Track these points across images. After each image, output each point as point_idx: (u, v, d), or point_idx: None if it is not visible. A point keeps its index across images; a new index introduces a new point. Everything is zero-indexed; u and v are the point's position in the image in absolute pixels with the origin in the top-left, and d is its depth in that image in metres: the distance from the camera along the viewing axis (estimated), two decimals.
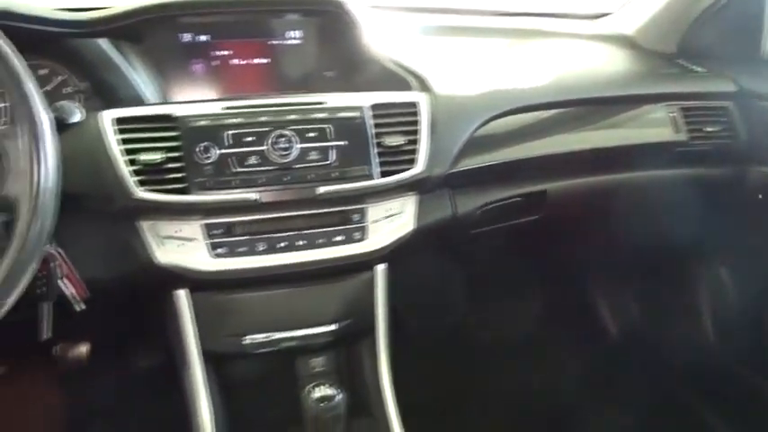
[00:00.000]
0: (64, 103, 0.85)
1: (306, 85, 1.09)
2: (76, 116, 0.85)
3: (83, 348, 1.39)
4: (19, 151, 0.70)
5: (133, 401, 1.42)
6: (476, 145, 1.01)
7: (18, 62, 0.72)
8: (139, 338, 1.50)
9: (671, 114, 1.18)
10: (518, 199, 1.10)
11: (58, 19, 0.96)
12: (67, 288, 0.86)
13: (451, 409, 1.40)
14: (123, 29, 1.00)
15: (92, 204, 0.86)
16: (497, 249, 1.23)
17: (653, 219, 1.19)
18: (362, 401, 1.00)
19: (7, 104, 0.97)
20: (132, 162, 0.86)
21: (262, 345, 0.95)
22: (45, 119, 0.71)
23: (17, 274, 0.70)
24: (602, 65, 1.28)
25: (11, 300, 0.70)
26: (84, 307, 0.88)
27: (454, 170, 1.00)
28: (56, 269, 0.83)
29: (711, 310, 1.46)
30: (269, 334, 0.95)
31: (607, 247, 1.36)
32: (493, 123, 1.03)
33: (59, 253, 0.84)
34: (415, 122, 0.97)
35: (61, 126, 0.77)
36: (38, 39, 0.89)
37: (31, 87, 0.72)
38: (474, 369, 1.48)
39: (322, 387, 0.78)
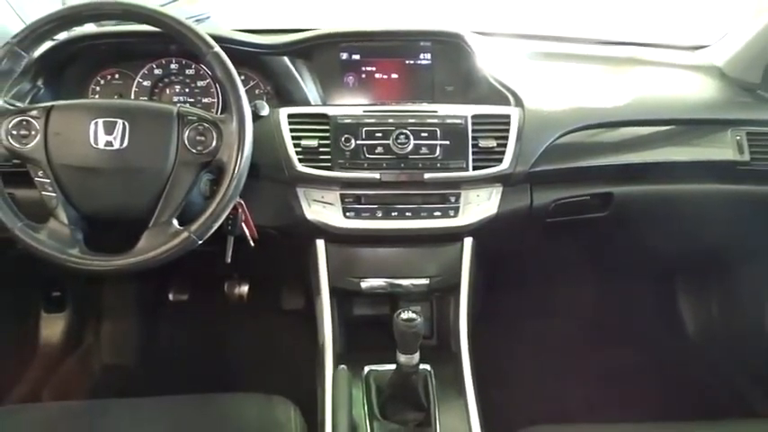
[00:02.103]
0: (258, 101, 1.19)
1: (429, 97, 1.36)
2: (265, 111, 1.18)
3: (244, 288, 1.75)
4: (230, 132, 1.03)
5: (279, 334, 1.76)
6: (555, 151, 1.23)
7: (234, 72, 1.05)
8: (284, 286, 1.85)
9: (737, 137, 1.30)
10: (587, 197, 1.29)
11: (255, 42, 1.32)
12: (245, 229, 1.19)
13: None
14: (299, 49, 1.34)
15: (267, 172, 1.18)
16: (567, 238, 1.43)
17: (712, 226, 1.33)
18: (444, 341, 1.26)
19: (216, 99, 1.38)
20: (296, 145, 1.18)
21: (373, 287, 1.24)
22: (248, 111, 1.04)
23: (220, 211, 1.03)
24: (683, 91, 1.41)
25: (215, 225, 1.04)
26: (252, 245, 1.19)
27: (534, 170, 1.21)
28: (240, 214, 1.16)
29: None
30: (379, 279, 1.24)
31: (665, 246, 1.49)
32: (572, 134, 1.24)
33: (242, 203, 1.15)
34: (506, 130, 1.20)
35: (255, 117, 1.10)
36: (240, 54, 1.19)
37: (241, 89, 1.05)
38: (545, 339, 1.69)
39: (408, 311, 1.06)
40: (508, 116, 1.23)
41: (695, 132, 1.34)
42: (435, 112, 1.22)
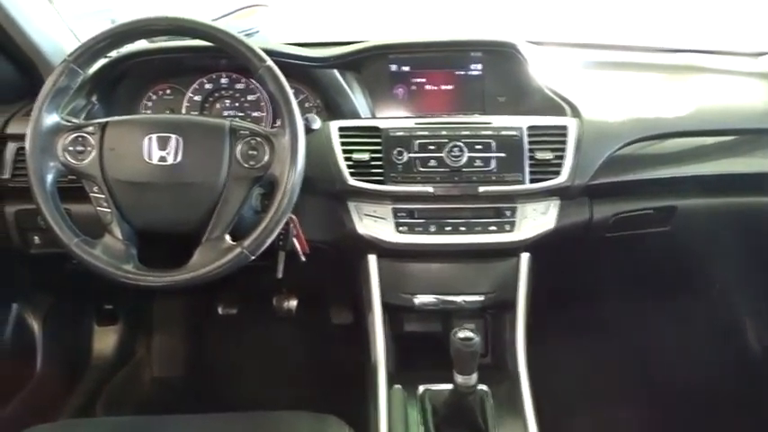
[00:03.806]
0: (309, 115, 1.15)
1: (481, 108, 1.33)
2: (317, 124, 1.15)
3: (293, 302, 1.75)
4: (282, 146, 1.01)
5: (328, 349, 1.74)
6: (615, 163, 1.18)
7: (287, 85, 1.03)
8: (333, 301, 1.84)
9: None
10: (650, 211, 1.24)
11: (305, 55, 1.31)
12: (296, 244, 1.16)
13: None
14: (349, 62, 1.32)
15: (318, 186, 1.16)
16: (625, 252, 1.37)
17: None
18: (500, 359, 1.21)
19: (266, 113, 1.37)
20: (348, 159, 1.15)
21: (426, 303, 1.20)
22: (301, 125, 1.02)
23: (273, 226, 1.00)
24: (747, 100, 1.35)
25: (268, 241, 1.02)
26: (305, 260, 1.18)
27: (594, 182, 1.16)
28: (291, 229, 1.14)
29: None
30: (432, 296, 1.20)
31: (728, 262, 1.42)
32: (633, 146, 1.19)
33: (293, 218, 1.13)
34: (563, 142, 1.16)
35: (307, 130, 1.06)
36: (289, 68, 1.16)
37: (294, 103, 1.02)
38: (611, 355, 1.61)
39: (465, 330, 1.02)
40: (565, 127, 1.18)
41: (760, 142, 1.27)
42: (489, 123, 1.19)
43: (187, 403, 1.67)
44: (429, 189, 1.15)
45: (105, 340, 1.75)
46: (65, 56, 1.04)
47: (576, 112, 1.22)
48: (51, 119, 1.03)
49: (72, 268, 1.04)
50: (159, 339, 1.82)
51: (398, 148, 1.16)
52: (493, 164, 1.15)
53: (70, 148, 1.03)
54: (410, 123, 1.19)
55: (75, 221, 1.04)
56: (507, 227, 1.17)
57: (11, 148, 1.22)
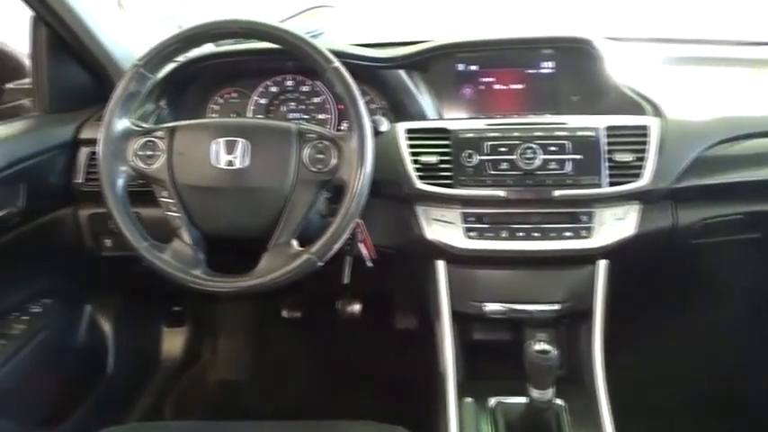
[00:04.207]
0: (376, 117, 1.13)
1: (553, 107, 1.27)
2: (384, 126, 1.12)
3: (357, 306, 1.73)
4: (350, 149, 0.99)
5: (392, 354, 1.71)
6: (702, 165, 1.10)
7: (355, 86, 1.01)
8: (397, 306, 1.81)
9: None
10: (740, 216, 1.15)
11: (372, 56, 1.29)
12: (363, 249, 1.15)
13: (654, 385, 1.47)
14: (415, 62, 1.29)
15: (385, 190, 1.12)
16: (715, 262, 1.29)
17: None
18: (576, 371, 1.15)
19: (331, 116, 1.35)
20: (415, 162, 1.12)
21: (496, 312, 1.15)
22: (369, 127, 1.00)
23: (341, 232, 0.98)
24: None
25: (335, 246, 0.99)
26: (371, 265, 1.16)
27: (678, 186, 1.09)
28: (358, 234, 1.12)
29: None
30: (503, 304, 1.15)
31: None
32: (721, 146, 1.11)
33: (361, 223, 1.11)
34: (645, 143, 1.09)
35: (374, 132, 1.04)
36: (355, 69, 1.07)
37: (362, 104, 1.00)
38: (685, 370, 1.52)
39: (541, 343, 0.96)
40: (646, 127, 1.11)
41: None
42: (565, 123, 1.13)
43: (252, 406, 1.67)
44: (500, 193, 1.10)
45: (173, 341, 1.78)
46: (134, 61, 1.04)
47: (657, 111, 1.15)
48: (122, 124, 1.04)
49: (142, 270, 1.04)
50: (224, 342, 1.84)
51: (468, 151, 1.11)
52: (568, 166, 1.09)
53: (140, 153, 1.04)
54: (480, 124, 1.15)
55: (145, 225, 1.05)
56: (584, 233, 1.11)
57: (84, 152, 1.25)
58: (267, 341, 1.86)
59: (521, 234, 1.12)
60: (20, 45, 1.34)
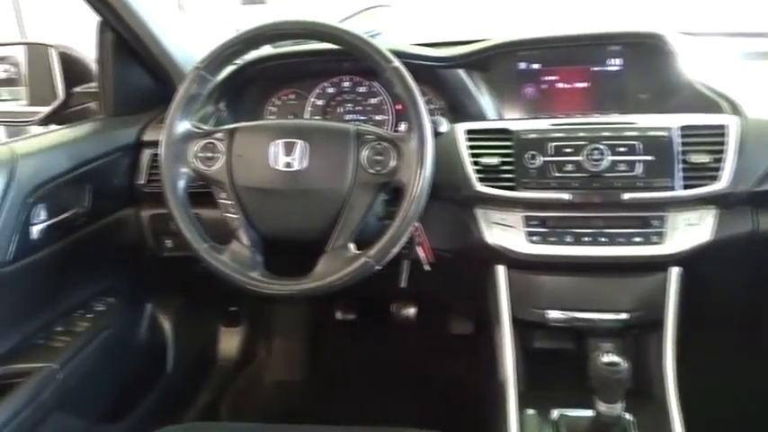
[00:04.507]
0: (436, 117, 1.10)
1: (619, 106, 1.21)
2: (444, 127, 1.10)
3: (412, 310, 1.72)
4: (410, 150, 0.97)
5: (447, 359, 1.69)
6: None
7: (415, 86, 0.99)
8: (453, 311, 1.78)
9: None
10: None
11: (431, 55, 1.26)
12: (420, 252, 1.12)
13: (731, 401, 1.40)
14: (475, 61, 1.26)
15: (444, 192, 1.10)
16: None
17: None
18: (644, 384, 1.09)
19: (389, 117, 1.33)
20: (475, 163, 1.09)
21: (560, 320, 1.10)
22: (430, 128, 0.97)
23: (400, 235, 0.96)
24: None
25: (394, 250, 0.98)
26: (429, 269, 1.13)
27: (759, 189, 1.02)
28: (416, 237, 1.10)
29: None
30: (567, 312, 1.10)
31: None
32: None
33: (419, 226, 1.09)
34: (722, 143, 1.02)
35: (435, 134, 1.02)
36: (413, 69, 1.08)
37: (422, 104, 0.98)
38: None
39: (610, 354, 0.91)
40: (724, 126, 1.05)
41: None
42: (634, 123, 1.07)
43: (306, 408, 1.68)
44: (565, 196, 1.06)
45: (230, 341, 1.80)
46: (195, 63, 1.05)
47: (735, 110, 1.08)
48: (183, 126, 1.05)
49: (201, 271, 1.05)
50: (279, 343, 1.85)
51: (531, 152, 1.08)
52: (639, 168, 1.04)
53: (200, 155, 1.04)
54: (544, 125, 1.11)
55: (204, 226, 1.05)
56: (655, 238, 1.05)
57: (146, 154, 1.27)
58: (321, 343, 1.86)
59: (586, 239, 1.07)
60: (87, 50, 1.37)
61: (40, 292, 1.10)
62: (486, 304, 1.19)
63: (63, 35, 1.55)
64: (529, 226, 1.09)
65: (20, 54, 1.52)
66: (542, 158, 1.07)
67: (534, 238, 1.09)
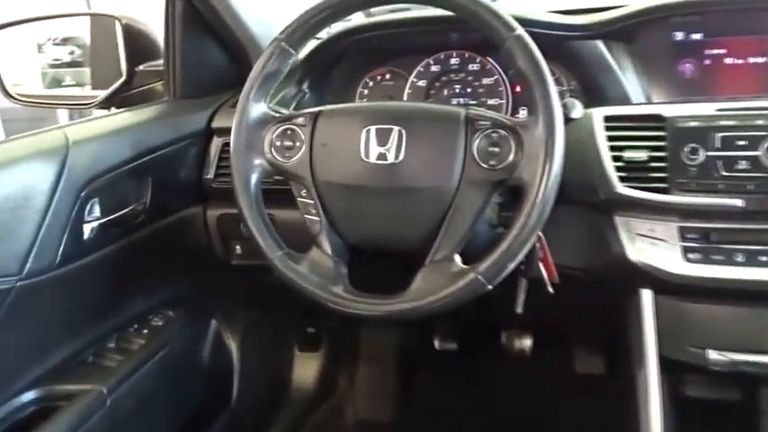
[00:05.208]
0: (569, 99, 1.06)
1: None
2: (577, 112, 1.05)
3: (527, 341, 1.66)
4: (534, 140, 0.92)
5: (568, 403, 1.62)
6: None
7: (542, 60, 0.93)
8: (579, 344, 1.71)
9: None
10: None
11: (563, 23, 1.21)
12: (543, 270, 1.06)
13: None
14: (619, 30, 1.20)
15: (575, 194, 1.05)
16: None
17: None
18: None
19: (505, 101, 1.29)
20: (616, 158, 1.03)
21: (723, 363, 1.02)
22: (560, 113, 0.92)
23: (518, 247, 0.91)
24: None
25: (510, 265, 0.93)
26: (552, 291, 1.07)
27: None
28: (537, 250, 1.04)
29: None
30: (734, 353, 1.01)
31: None
32: None
33: (541, 237, 1.03)
34: None
35: (564, 120, 0.96)
36: (541, 41, 1.04)
37: (551, 82, 0.93)
38: None
39: None
40: None
41: None
42: None
43: None
44: (737, 202, 0.98)
45: (306, 368, 1.81)
46: (275, 36, 1.05)
47: None
48: (259, 109, 1.05)
49: (275, 283, 1.04)
50: (365, 373, 1.85)
51: (691, 145, 1.01)
52: None
53: (278, 144, 1.04)
54: (708, 110, 1.03)
55: (280, 230, 1.05)
56: None
57: (216, 143, 1.29)
58: (415, 375, 1.85)
59: (764, 259, 0.98)
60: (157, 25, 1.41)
61: (91, 302, 1.13)
62: (625, 338, 1.14)
63: (134, 8, 1.61)
64: (686, 240, 1.02)
65: (86, 32, 1.59)
66: (706, 153, 1.00)
67: (692, 255, 1.02)
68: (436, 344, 1.79)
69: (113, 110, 1.39)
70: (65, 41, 1.87)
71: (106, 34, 1.46)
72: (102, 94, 1.44)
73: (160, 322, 1.27)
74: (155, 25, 1.43)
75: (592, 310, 1.33)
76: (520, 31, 0.94)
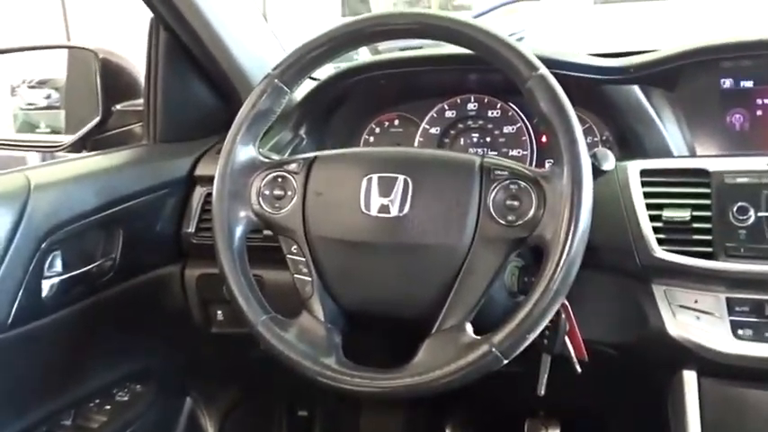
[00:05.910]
0: (600, 149, 1.05)
1: None
2: (609, 164, 1.04)
3: (555, 431, 1.65)
4: (558, 194, 0.92)
5: None
6: None
7: (568, 102, 0.94)
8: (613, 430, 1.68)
9: None
10: None
11: (595, 66, 1.24)
12: (569, 345, 1.07)
13: None
14: (659, 75, 1.22)
15: (606, 259, 1.07)
16: None
17: None
18: None
19: (529, 152, 1.30)
20: (654, 218, 1.05)
21: None
22: (588, 163, 0.93)
23: (539, 317, 0.90)
24: None
25: (529, 337, 0.92)
26: (581, 370, 1.07)
27: None
28: (563, 321, 1.05)
29: None
30: None
31: None
32: None
33: (567, 306, 1.04)
34: None
35: (594, 172, 0.97)
36: (569, 85, 1.05)
37: (578, 128, 0.94)
38: None
39: None
40: None
41: None
42: None
43: None
44: None
45: None
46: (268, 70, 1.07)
47: None
48: (247, 152, 1.07)
49: (261, 356, 1.04)
50: None
51: (740, 203, 1.03)
52: None
53: (266, 192, 1.05)
54: (760, 164, 1.06)
55: (268, 294, 1.05)
56: None
57: (198, 193, 1.31)
58: None
59: None
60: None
61: (46, 370, 1.13)
62: (665, 428, 1.13)
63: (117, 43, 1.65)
64: (735, 313, 1.04)
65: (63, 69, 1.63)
66: (757, 213, 1.03)
67: (742, 331, 1.03)
68: (448, 430, 1.78)
69: (83, 153, 1.41)
70: (41, 84, 1.92)
71: (83, 70, 1.49)
72: (73, 136, 1.47)
73: (126, 398, 1.26)
74: (138, 61, 1.46)
75: (626, 394, 1.33)
76: (543, 70, 0.95)
